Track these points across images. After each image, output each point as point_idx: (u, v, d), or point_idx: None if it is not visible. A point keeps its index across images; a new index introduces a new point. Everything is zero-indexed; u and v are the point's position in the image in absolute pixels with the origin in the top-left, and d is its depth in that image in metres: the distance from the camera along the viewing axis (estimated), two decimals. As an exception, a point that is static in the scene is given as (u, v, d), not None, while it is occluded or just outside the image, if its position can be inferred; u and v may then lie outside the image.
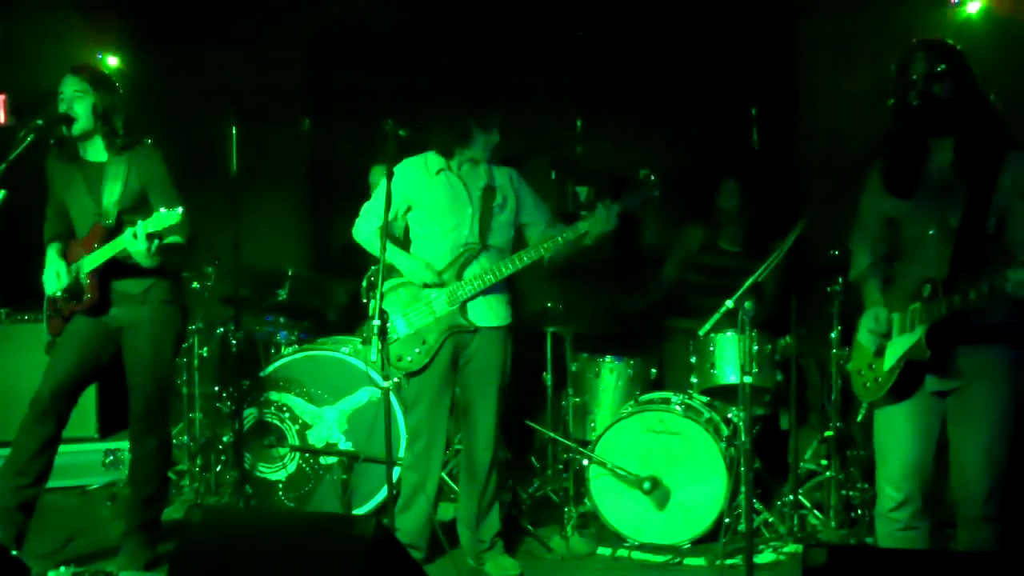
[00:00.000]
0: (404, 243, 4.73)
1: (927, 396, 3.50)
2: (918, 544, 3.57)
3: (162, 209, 4.15)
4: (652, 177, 4.67)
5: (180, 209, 4.14)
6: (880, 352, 3.55)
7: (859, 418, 4.99)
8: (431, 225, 4.62)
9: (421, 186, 4.62)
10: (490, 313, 4.64)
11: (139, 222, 4.17)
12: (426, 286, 4.58)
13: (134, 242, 4.18)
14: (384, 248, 4.08)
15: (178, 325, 4.62)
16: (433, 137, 4.62)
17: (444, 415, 4.68)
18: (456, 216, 4.60)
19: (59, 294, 4.50)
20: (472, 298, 4.59)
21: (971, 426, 3.43)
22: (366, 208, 4.75)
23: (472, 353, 4.64)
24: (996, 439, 3.40)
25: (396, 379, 4.77)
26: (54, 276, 4.49)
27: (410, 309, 4.61)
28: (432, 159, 4.66)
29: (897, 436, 3.56)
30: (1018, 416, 3.41)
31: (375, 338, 3.92)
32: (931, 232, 3.46)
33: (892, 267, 3.64)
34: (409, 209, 4.66)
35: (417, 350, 4.58)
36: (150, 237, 4.16)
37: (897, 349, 3.48)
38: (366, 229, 4.72)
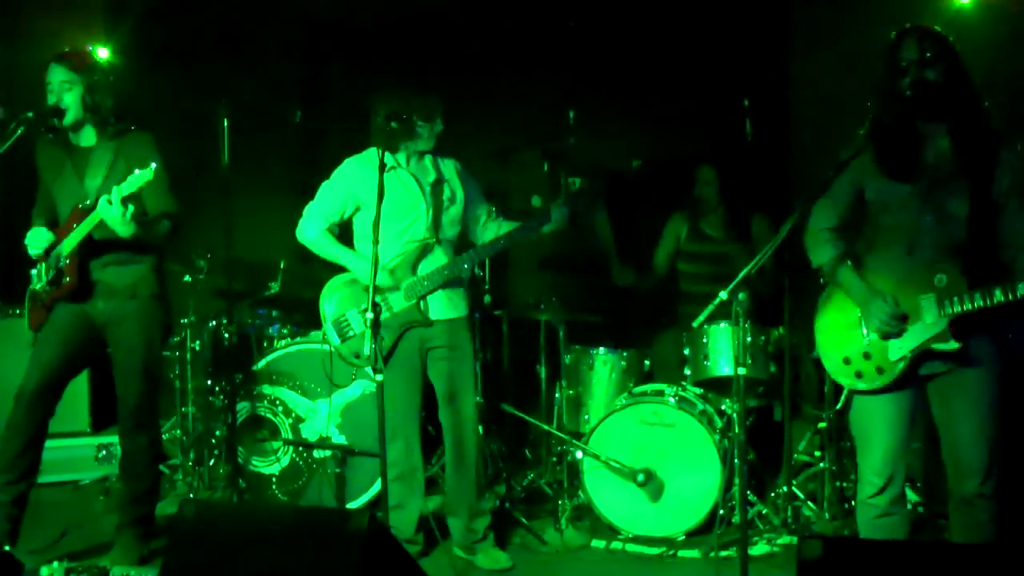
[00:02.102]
0: (344, 239, 4.72)
1: (914, 380, 3.53)
2: (897, 531, 3.61)
3: (136, 171, 4.10)
4: (636, 167, 4.68)
5: (154, 165, 4.09)
6: (878, 339, 3.55)
7: (839, 406, 5.00)
8: (385, 224, 4.45)
9: (372, 185, 4.49)
10: (448, 305, 4.65)
11: (113, 188, 4.13)
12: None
13: (108, 208, 4.11)
14: (377, 241, 4.05)
15: (165, 319, 4.60)
16: (375, 132, 4.54)
17: (418, 407, 4.70)
18: (411, 213, 4.59)
19: (41, 286, 4.47)
20: (430, 292, 4.59)
21: (963, 405, 3.48)
22: (311, 209, 4.71)
23: (441, 344, 4.65)
24: (989, 416, 3.46)
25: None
26: (37, 236, 4.42)
27: (365, 305, 4.58)
28: (377, 156, 4.48)
29: (881, 423, 3.59)
30: (1003, 397, 3.47)
31: (368, 331, 3.91)
32: (928, 219, 3.46)
33: (856, 252, 3.65)
34: (358, 209, 4.62)
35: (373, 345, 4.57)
36: (125, 202, 4.10)
37: (911, 339, 3.47)
38: (312, 230, 4.68)
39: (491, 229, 4.79)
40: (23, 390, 4.41)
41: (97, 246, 4.37)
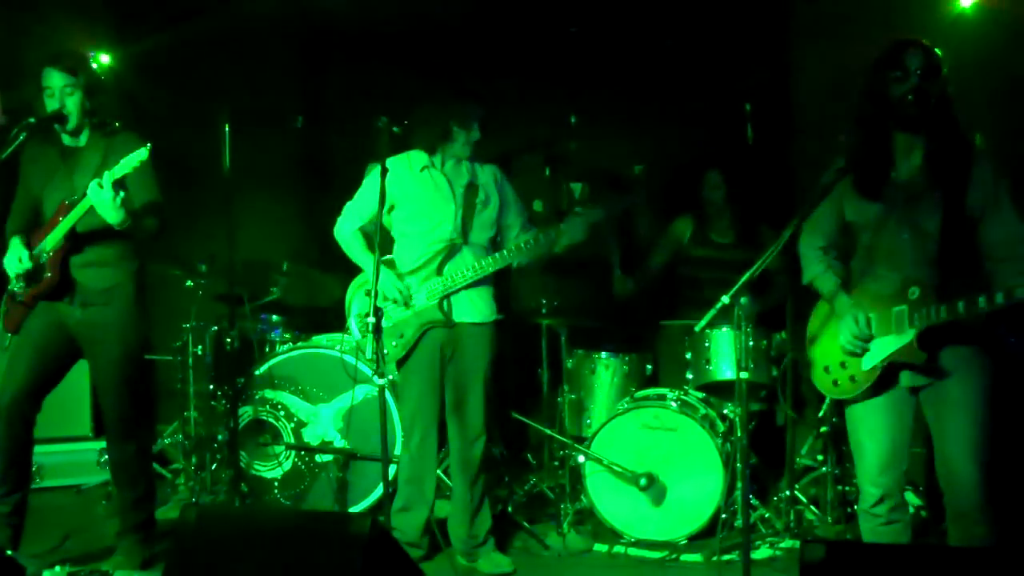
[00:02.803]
0: (384, 241, 4.73)
1: (900, 391, 3.54)
2: (900, 537, 3.60)
3: (131, 153, 4.11)
4: (638, 172, 4.69)
5: (149, 144, 4.10)
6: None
7: (821, 413, 5.05)
8: (414, 222, 4.63)
9: (405, 184, 4.63)
10: (472, 309, 4.65)
11: (104, 172, 4.12)
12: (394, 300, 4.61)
13: (99, 192, 4.10)
14: (378, 244, 4.08)
15: (143, 327, 4.54)
16: (415, 135, 4.61)
17: (435, 410, 4.69)
18: (440, 213, 4.61)
19: (19, 287, 4.43)
20: (453, 293, 4.59)
21: (952, 419, 3.47)
22: (348, 208, 4.76)
23: (456, 349, 4.66)
24: (978, 429, 3.44)
25: (391, 377, 4.78)
26: (16, 260, 4.39)
27: (388, 303, 4.61)
28: (416, 156, 4.67)
29: (871, 433, 3.59)
30: (992, 408, 3.46)
31: (370, 335, 3.91)
32: (904, 236, 3.48)
33: (848, 269, 3.67)
34: (392, 208, 4.66)
35: (394, 343, 4.60)
36: (116, 187, 4.10)
37: (880, 350, 3.49)
38: (347, 229, 4.73)
39: (524, 238, 4.76)
40: None
41: (79, 242, 4.35)
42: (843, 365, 3.60)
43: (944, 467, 3.50)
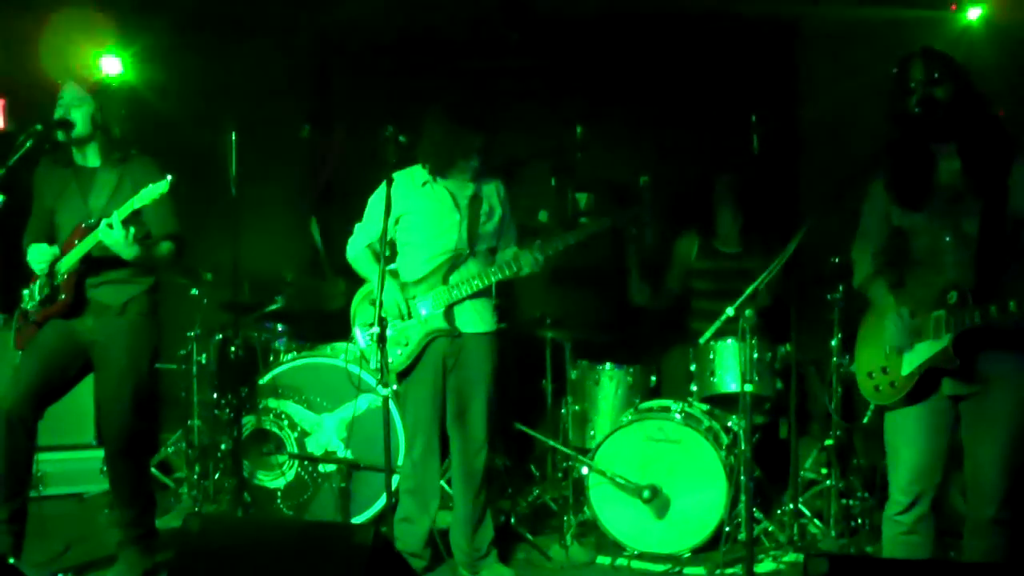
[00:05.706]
0: (393, 255, 4.75)
1: (941, 399, 3.52)
2: (920, 550, 3.58)
3: (150, 184, 4.12)
4: (643, 182, 4.70)
5: (169, 177, 4.11)
6: (895, 355, 3.55)
7: (865, 420, 5.02)
8: (418, 233, 4.65)
9: (409, 198, 4.65)
10: (476, 319, 4.65)
11: (113, 212, 4.14)
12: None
13: (109, 232, 4.13)
14: (384, 255, 4.09)
15: (154, 340, 4.54)
16: (418, 154, 4.65)
17: (437, 419, 4.69)
18: (443, 223, 4.63)
19: (32, 306, 4.44)
20: (458, 303, 4.60)
21: (989, 430, 3.45)
22: (358, 227, 4.79)
23: (459, 360, 4.65)
24: (1011, 443, 3.43)
25: (395, 387, 4.77)
26: (40, 252, 4.37)
27: (395, 313, 4.61)
28: (418, 171, 4.69)
29: (908, 439, 3.58)
30: None
31: (374, 344, 3.91)
32: (947, 239, 3.47)
33: (897, 273, 3.65)
34: (398, 221, 4.67)
35: (399, 351, 4.61)
36: (127, 223, 4.12)
37: (919, 355, 3.47)
38: (357, 247, 4.77)
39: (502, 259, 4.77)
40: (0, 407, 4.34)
41: (95, 264, 4.36)
42: (884, 370, 3.60)
43: (973, 475, 3.50)
